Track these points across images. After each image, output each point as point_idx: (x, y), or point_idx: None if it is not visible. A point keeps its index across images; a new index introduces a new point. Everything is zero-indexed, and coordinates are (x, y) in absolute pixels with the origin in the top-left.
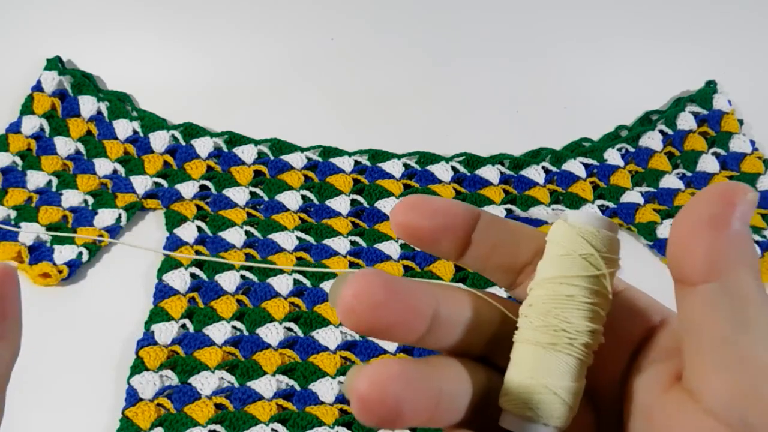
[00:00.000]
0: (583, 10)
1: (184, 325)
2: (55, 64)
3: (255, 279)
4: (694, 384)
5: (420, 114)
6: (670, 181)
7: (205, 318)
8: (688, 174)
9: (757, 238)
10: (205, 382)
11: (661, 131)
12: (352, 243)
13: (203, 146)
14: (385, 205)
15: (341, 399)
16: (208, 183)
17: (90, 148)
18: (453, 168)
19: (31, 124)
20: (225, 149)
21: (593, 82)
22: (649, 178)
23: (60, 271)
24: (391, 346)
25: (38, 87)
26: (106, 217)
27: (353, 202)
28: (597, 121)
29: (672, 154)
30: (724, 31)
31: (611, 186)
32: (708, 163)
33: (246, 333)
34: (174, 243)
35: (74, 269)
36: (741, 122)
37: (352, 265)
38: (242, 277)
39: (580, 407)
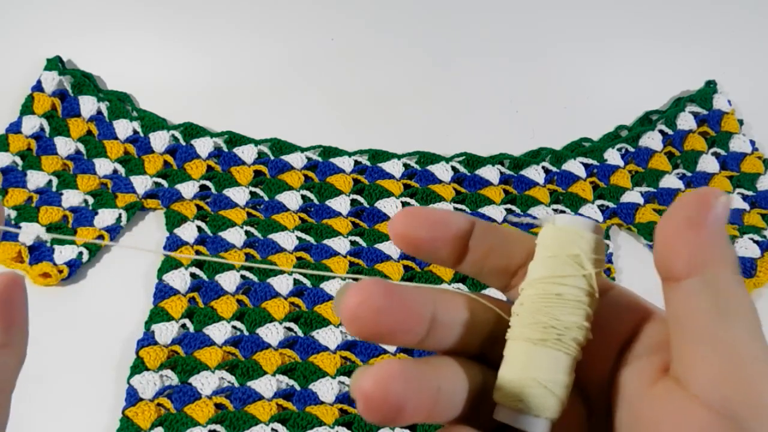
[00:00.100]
0: (583, 10)
1: (184, 325)
2: (55, 64)
3: (255, 279)
4: (680, 372)
5: (420, 114)
6: (670, 181)
7: (205, 318)
8: (688, 174)
9: (757, 238)
10: (205, 382)
11: (661, 131)
12: (352, 243)
13: (203, 146)
14: (385, 205)
15: (341, 399)
16: (208, 183)
17: (90, 148)
18: (453, 168)
19: (31, 124)
20: (225, 149)
21: (593, 82)
22: (649, 178)
23: (60, 271)
24: (390, 346)
25: (38, 87)
26: (106, 217)
27: (353, 202)
28: (597, 121)
29: (672, 154)
30: (724, 31)
31: (611, 186)
32: (708, 163)
33: (246, 333)
34: (174, 243)
35: (74, 269)
36: (741, 122)
37: (352, 265)
38: (242, 277)
39: (572, 401)
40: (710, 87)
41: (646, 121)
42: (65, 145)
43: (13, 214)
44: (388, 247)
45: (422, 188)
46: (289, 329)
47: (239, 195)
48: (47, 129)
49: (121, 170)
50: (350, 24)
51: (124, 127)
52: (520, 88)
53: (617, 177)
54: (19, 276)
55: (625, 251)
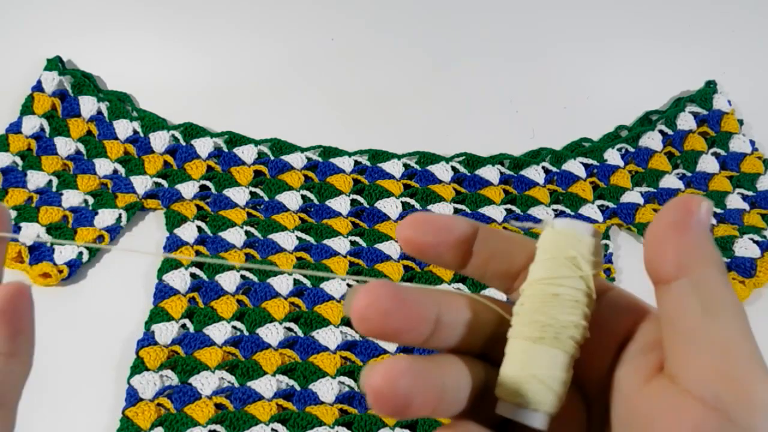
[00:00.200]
0: (583, 10)
1: (184, 325)
2: (55, 64)
3: (255, 279)
4: (673, 369)
5: (420, 114)
6: (670, 182)
7: (206, 318)
8: (688, 174)
9: (757, 238)
10: (205, 382)
11: (661, 131)
12: (352, 243)
13: (203, 146)
14: (385, 205)
15: (341, 399)
16: (208, 183)
17: (90, 148)
18: (453, 168)
19: (32, 124)
20: (225, 149)
21: (593, 82)
22: (649, 178)
23: (60, 271)
24: (390, 345)
25: (38, 87)
26: (106, 217)
27: (353, 202)
28: (597, 121)
29: (672, 154)
30: (724, 31)
31: (611, 186)
32: (708, 164)
33: (246, 333)
34: (174, 243)
35: (74, 269)
36: (741, 122)
37: (352, 265)
38: (242, 277)
39: (572, 397)
40: (710, 87)
41: (646, 121)
42: (65, 145)
43: (14, 214)
44: (388, 247)
45: (422, 188)
46: (289, 329)
47: (239, 195)
48: (47, 129)
49: (121, 170)
50: (350, 24)
51: (124, 127)
52: (520, 88)
53: (617, 177)
54: (25, 286)
55: (625, 251)
